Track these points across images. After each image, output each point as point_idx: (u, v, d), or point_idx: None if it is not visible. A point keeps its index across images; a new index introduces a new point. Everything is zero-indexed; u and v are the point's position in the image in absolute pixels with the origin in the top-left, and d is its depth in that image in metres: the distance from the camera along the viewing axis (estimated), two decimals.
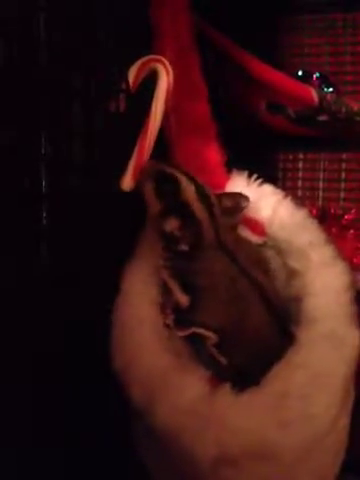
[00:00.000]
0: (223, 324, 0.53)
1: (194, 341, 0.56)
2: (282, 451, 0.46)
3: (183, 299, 0.55)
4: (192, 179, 0.54)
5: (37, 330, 0.50)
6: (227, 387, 0.48)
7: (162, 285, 0.59)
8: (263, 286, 0.55)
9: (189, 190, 0.53)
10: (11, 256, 0.48)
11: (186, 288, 0.55)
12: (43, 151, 0.50)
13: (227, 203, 0.57)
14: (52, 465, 0.50)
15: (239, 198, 0.58)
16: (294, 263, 0.58)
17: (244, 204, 0.58)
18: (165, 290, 0.58)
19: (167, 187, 0.54)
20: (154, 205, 0.55)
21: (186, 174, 0.54)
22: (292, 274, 0.58)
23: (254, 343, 0.54)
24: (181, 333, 0.54)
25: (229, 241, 0.55)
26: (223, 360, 0.54)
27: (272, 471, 0.47)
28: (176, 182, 0.54)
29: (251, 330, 0.54)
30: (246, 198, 0.58)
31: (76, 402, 0.53)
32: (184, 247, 0.53)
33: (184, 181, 0.54)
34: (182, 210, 0.53)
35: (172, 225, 0.53)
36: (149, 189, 0.55)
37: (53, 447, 0.50)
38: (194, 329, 0.53)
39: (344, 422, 0.51)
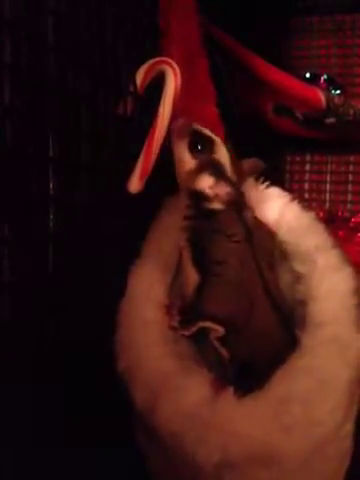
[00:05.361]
0: (231, 313, 0.53)
1: (199, 340, 0.56)
2: (285, 456, 0.45)
3: (193, 276, 0.55)
4: (224, 142, 0.55)
5: (41, 331, 0.50)
6: (230, 391, 0.48)
7: (172, 278, 0.59)
8: (266, 276, 0.55)
9: (222, 150, 0.55)
10: (19, 257, 0.48)
11: (199, 265, 0.55)
12: (51, 154, 0.50)
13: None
14: (52, 466, 0.50)
15: (255, 164, 0.60)
16: (300, 267, 0.58)
17: (260, 167, 0.59)
18: (175, 277, 0.59)
19: (201, 145, 0.55)
20: (187, 162, 0.55)
21: (219, 137, 0.56)
22: (298, 278, 0.58)
23: (258, 336, 0.54)
24: (188, 332, 0.54)
25: (248, 217, 0.56)
26: (225, 353, 0.54)
27: (275, 476, 0.47)
28: (211, 141, 0.55)
29: (256, 322, 0.54)
30: (261, 164, 0.60)
31: (78, 403, 0.54)
32: (217, 205, 0.54)
33: (218, 141, 0.55)
34: (216, 168, 0.54)
35: (205, 183, 0.53)
36: (183, 146, 0.55)
37: (53, 447, 0.51)
38: (201, 323, 0.53)
39: (349, 428, 0.50)
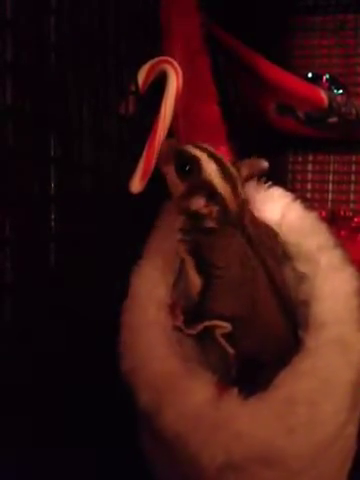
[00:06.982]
0: (235, 312, 0.53)
1: (202, 341, 0.56)
2: (289, 458, 0.45)
3: (197, 281, 0.55)
4: (212, 155, 0.54)
5: (44, 331, 0.50)
6: (234, 393, 0.48)
7: (174, 278, 0.59)
8: (272, 271, 0.55)
9: (210, 167, 0.53)
10: (21, 258, 0.48)
11: (201, 270, 0.55)
12: (52, 153, 0.50)
13: (245, 172, 0.57)
14: (53, 466, 0.50)
15: (256, 164, 0.58)
16: (302, 267, 0.58)
17: (263, 167, 0.58)
18: (178, 277, 0.58)
19: (188, 167, 0.54)
20: (177, 186, 0.55)
21: (205, 150, 0.54)
22: (300, 278, 0.58)
23: (262, 331, 0.54)
24: (193, 331, 0.54)
25: (247, 219, 0.56)
26: (231, 350, 0.54)
27: (278, 477, 0.47)
28: (196, 161, 0.53)
29: (260, 317, 0.54)
30: (264, 164, 0.58)
31: (81, 403, 0.53)
32: (212, 224, 0.53)
33: (204, 158, 0.53)
34: (206, 188, 0.53)
35: (197, 204, 0.53)
36: (171, 171, 0.55)
37: (56, 448, 0.50)
38: (206, 323, 0.53)
39: (352, 429, 0.50)
